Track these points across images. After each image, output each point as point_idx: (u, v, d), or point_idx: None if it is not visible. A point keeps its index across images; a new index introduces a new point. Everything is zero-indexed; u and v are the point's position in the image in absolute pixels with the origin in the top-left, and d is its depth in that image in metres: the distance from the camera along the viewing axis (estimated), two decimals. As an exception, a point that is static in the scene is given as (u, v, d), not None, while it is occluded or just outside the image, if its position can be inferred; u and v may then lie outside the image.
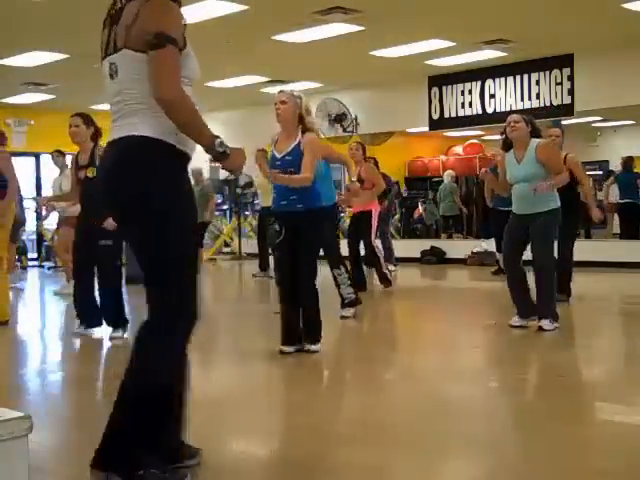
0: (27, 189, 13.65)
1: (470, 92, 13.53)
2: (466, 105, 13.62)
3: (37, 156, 16.14)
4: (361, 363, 5.27)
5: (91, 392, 4.77)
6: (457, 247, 14.15)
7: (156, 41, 2.59)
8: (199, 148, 2.74)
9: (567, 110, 12.31)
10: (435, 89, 13.92)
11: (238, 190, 15.10)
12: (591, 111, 13.39)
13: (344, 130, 14.88)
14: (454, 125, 14.12)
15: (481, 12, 9.69)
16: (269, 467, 3.20)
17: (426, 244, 14.35)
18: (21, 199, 10.09)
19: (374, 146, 14.18)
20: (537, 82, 12.64)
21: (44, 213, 8.16)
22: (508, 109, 12.88)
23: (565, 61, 12.28)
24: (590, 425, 3.71)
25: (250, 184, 13.96)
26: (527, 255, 6.23)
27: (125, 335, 6.10)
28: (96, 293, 6.33)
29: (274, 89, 14.05)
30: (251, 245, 14.10)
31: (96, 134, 6.15)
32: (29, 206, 12.49)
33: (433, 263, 13.70)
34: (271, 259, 9.46)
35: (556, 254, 6.49)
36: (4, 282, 6.91)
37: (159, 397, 2.71)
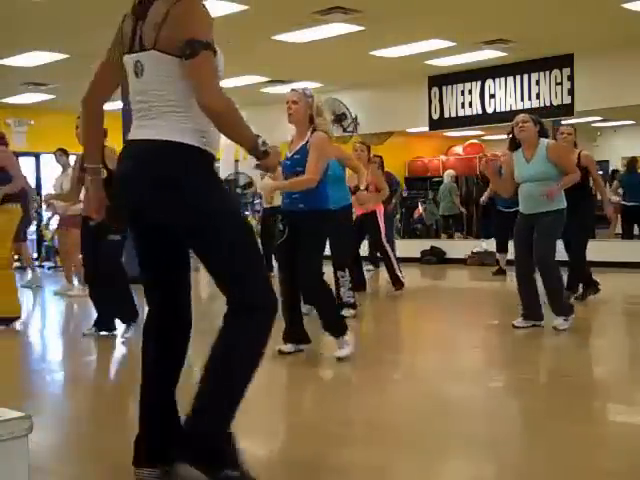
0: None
1: (470, 92, 13.53)
2: (466, 105, 13.62)
3: (37, 156, 16.14)
4: (362, 363, 5.25)
5: (92, 392, 4.78)
6: (457, 247, 14.16)
7: (191, 50, 2.55)
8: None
9: (567, 110, 12.31)
10: (435, 89, 13.92)
11: (238, 190, 15.10)
12: (591, 111, 13.38)
13: (344, 130, 14.89)
14: (454, 125, 14.12)
15: (481, 12, 9.68)
16: (270, 467, 3.19)
17: (426, 244, 14.36)
18: (26, 197, 10.11)
19: (374, 146, 14.17)
20: (537, 82, 12.64)
21: (49, 215, 8.13)
22: (508, 109, 12.88)
23: (565, 61, 12.27)
24: (592, 425, 3.70)
25: (250, 184, 13.96)
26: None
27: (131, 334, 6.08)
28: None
29: (274, 89, 14.12)
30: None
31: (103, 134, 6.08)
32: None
33: (433, 263, 13.70)
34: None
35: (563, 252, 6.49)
36: (11, 279, 6.87)
37: (248, 382, 2.71)
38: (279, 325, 5.33)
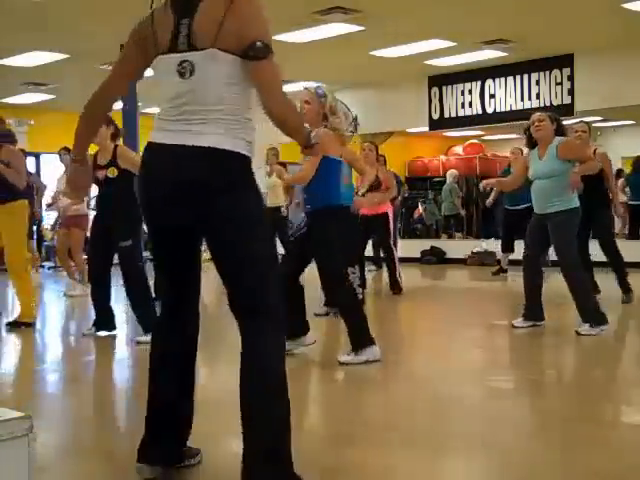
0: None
1: (470, 92, 13.53)
2: (466, 105, 13.62)
3: (37, 156, 16.13)
4: (362, 363, 5.25)
5: (92, 392, 4.78)
6: (457, 247, 14.16)
7: (259, 52, 2.49)
8: None
9: (567, 110, 12.30)
10: (435, 89, 13.92)
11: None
12: (591, 111, 13.37)
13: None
14: (454, 125, 14.13)
15: (481, 12, 9.69)
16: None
17: (426, 244, 14.36)
18: (33, 196, 10.12)
19: (374, 146, 14.17)
20: (537, 82, 12.65)
21: (53, 214, 8.13)
22: (508, 109, 12.90)
23: (565, 61, 12.28)
24: (593, 425, 3.69)
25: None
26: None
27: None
28: (112, 298, 6.32)
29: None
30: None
31: (115, 133, 6.09)
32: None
33: (433, 263, 13.71)
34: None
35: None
36: (28, 282, 6.85)
37: (285, 391, 2.59)
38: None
